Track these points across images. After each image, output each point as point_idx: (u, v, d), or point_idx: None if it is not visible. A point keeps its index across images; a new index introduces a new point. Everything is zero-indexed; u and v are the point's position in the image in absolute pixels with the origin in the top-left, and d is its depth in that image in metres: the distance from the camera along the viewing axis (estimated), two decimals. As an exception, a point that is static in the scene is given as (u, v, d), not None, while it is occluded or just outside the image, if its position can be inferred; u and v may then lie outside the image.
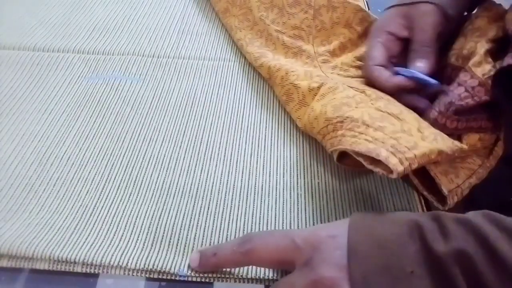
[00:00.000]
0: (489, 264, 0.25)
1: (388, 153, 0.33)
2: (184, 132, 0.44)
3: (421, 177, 0.37)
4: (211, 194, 0.39)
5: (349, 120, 0.37)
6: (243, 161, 0.42)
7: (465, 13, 0.48)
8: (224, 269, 0.33)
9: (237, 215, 0.37)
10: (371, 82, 0.44)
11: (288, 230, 0.35)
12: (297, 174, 0.41)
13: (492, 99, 0.38)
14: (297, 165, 0.42)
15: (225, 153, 0.42)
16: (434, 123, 0.38)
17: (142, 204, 0.38)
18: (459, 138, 0.40)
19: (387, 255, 0.27)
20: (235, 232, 0.36)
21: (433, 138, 0.35)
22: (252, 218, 0.37)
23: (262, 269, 0.33)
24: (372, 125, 0.36)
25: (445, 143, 0.35)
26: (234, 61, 0.53)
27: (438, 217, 0.28)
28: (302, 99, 0.44)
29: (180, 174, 0.40)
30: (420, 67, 0.42)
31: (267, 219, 0.37)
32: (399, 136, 0.34)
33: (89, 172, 0.40)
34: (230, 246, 0.32)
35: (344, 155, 0.38)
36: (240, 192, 0.39)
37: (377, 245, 0.28)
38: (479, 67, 0.39)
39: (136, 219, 0.37)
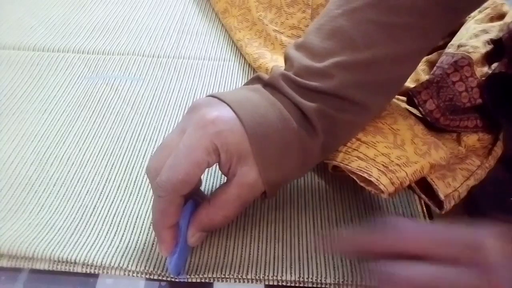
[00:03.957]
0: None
1: (379, 173, 0.33)
2: (184, 132, 0.44)
3: (418, 180, 0.37)
4: (211, 194, 0.39)
5: None
6: (243, 161, 0.42)
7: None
8: (223, 270, 0.33)
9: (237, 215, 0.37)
10: None
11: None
12: (297, 174, 0.41)
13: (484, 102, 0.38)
14: (297, 165, 0.42)
15: (225, 153, 0.42)
16: (428, 115, 0.38)
17: (142, 204, 0.38)
18: (458, 138, 0.40)
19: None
20: (235, 232, 0.36)
21: (426, 150, 0.35)
22: (252, 218, 0.37)
23: (262, 269, 0.33)
24: (365, 141, 0.36)
25: (439, 154, 0.36)
26: (234, 61, 0.53)
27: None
28: None
29: (180, 174, 0.40)
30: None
31: (267, 219, 0.37)
32: (391, 153, 0.35)
33: (89, 172, 0.40)
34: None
35: (337, 166, 0.38)
36: (240, 192, 0.39)
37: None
38: (479, 67, 0.39)
39: (136, 219, 0.37)
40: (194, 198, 0.33)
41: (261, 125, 0.31)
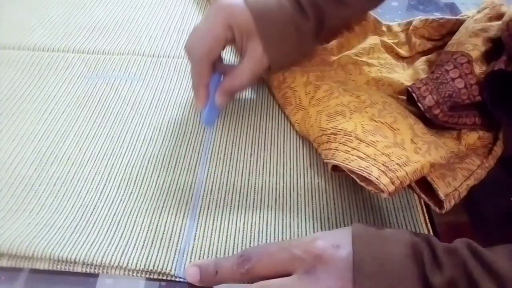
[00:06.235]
0: None
1: (380, 173, 0.33)
2: (184, 132, 0.44)
3: (418, 180, 0.37)
4: (211, 193, 0.39)
5: (343, 133, 0.38)
6: (243, 161, 0.42)
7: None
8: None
9: (237, 215, 0.37)
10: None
11: (285, 241, 0.35)
12: (297, 174, 0.41)
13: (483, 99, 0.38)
14: (297, 165, 0.42)
15: (225, 153, 0.42)
16: (427, 111, 0.38)
17: (142, 203, 0.38)
18: (458, 136, 0.40)
19: (392, 276, 0.28)
20: (235, 231, 0.36)
21: (426, 150, 0.35)
22: (252, 218, 0.37)
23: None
24: (365, 140, 0.36)
25: (439, 153, 0.36)
26: (234, 61, 0.53)
27: (430, 243, 0.29)
28: (299, 102, 0.44)
29: (180, 173, 0.40)
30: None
31: (267, 219, 0.37)
32: (391, 152, 0.35)
33: (89, 172, 0.40)
34: (230, 265, 0.32)
35: (337, 165, 0.38)
36: (240, 191, 0.39)
37: (382, 265, 0.28)
38: (478, 65, 0.40)
39: (136, 218, 0.37)
40: (220, 70, 0.42)
41: (263, 9, 0.40)
